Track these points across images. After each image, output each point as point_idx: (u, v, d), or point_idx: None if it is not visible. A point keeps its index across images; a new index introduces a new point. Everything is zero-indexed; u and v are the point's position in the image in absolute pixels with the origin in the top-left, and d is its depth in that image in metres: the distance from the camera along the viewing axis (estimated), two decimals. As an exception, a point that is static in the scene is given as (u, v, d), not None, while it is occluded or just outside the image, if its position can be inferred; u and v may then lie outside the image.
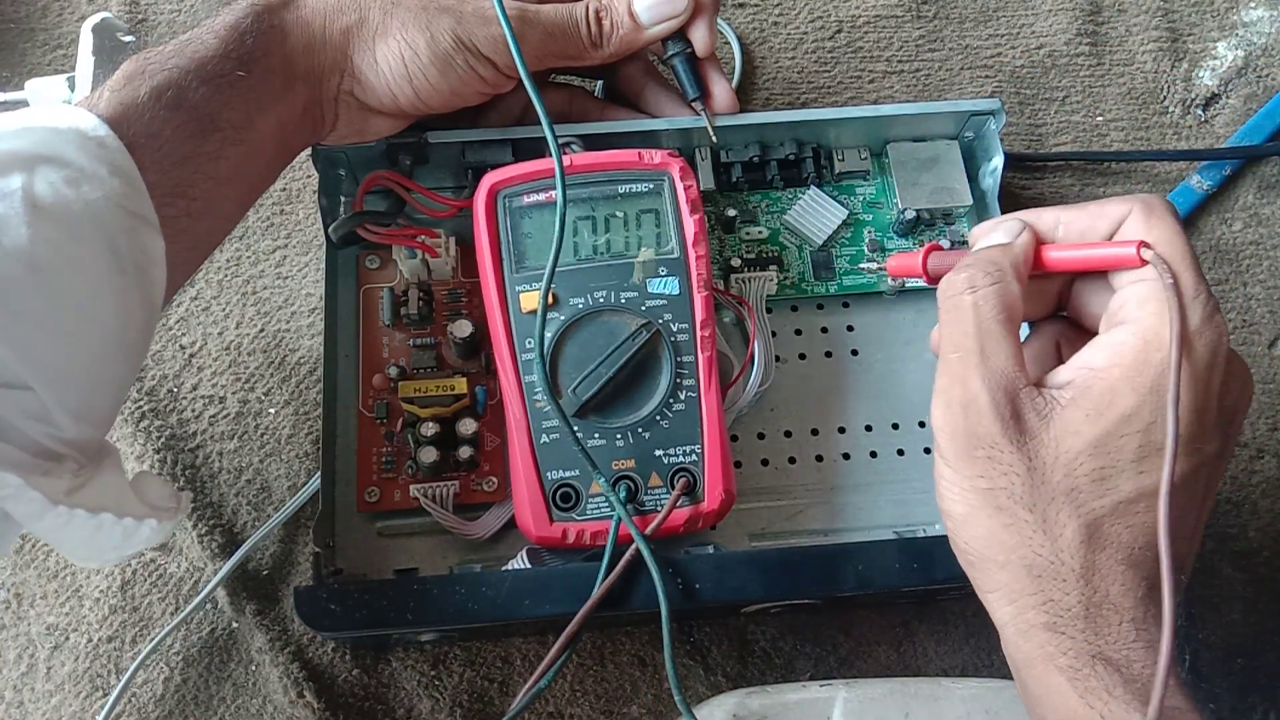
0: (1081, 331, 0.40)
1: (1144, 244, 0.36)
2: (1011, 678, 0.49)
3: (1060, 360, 0.37)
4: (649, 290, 0.48)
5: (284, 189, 0.61)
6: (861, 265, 0.54)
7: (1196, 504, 0.36)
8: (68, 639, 0.51)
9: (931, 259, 0.43)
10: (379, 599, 0.43)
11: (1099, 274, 0.38)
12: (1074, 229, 0.39)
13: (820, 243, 0.55)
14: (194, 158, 0.40)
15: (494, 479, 0.49)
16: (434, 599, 0.44)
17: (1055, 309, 0.41)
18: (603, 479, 0.45)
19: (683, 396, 0.47)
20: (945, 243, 0.54)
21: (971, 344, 0.36)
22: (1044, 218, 0.39)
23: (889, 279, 0.54)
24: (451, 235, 0.52)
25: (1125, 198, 0.38)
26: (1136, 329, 0.35)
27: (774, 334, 0.54)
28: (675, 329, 0.47)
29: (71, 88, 0.60)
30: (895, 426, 0.52)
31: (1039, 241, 0.39)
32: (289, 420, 0.56)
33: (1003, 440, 0.35)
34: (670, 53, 0.52)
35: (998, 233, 0.39)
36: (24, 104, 0.60)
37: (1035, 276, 0.39)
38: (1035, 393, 0.36)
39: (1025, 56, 0.67)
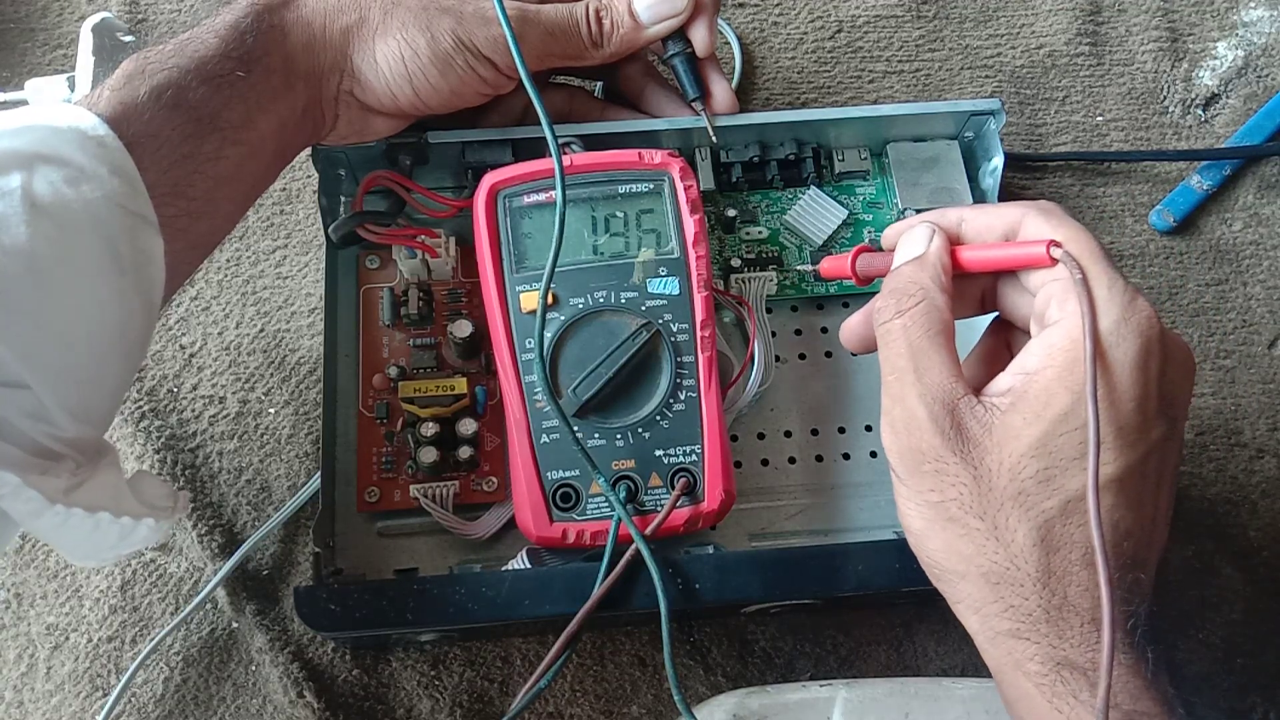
0: (1024, 330, 0.40)
1: (1053, 243, 0.36)
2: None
3: (1011, 358, 0.37)
4: (649, 290, 0.48)
5: (284, 189, 0.61)
6: (798, 267, 0.54)
7: (1152, 492, 0.36)
8: (68, 639, 0.51)
9: (860, 261, 0.44)
10: (379, 599, 0.43)
11: (1013, 275, 0.39)
12: (972, 228, 0.39)
13: (820, 243, 0.55)
14: (193, 157, 0.40)
15: (494, 479, 0.49)
16: (434, 599, 0.44)
17: (982, 307, 0.42)
18: (602, 479, 0.45)
19: (683, 396, 0.47)
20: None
21: (905, 364, 0.37)
22: (948, 216, 0.40)
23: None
24: (451, 235, 0.52)
25: (1019, 203, 0.39)
26: (1063, 327, 0.35)
27: (774, 334, 0.54)
28: (675, 329, 0.47)
29: (71, 88, 0.60)
30: (895, 426, 0.52)
31: (952, 241, 0.39)
32: (289, 420, 0.56)
33: (946, 452, 0.35)
34: (670, 53, 0.52)
35: (911, 243, 0.40)
36: (24, 104, 0.60)
37: (955, 276, 0.39)
38: (975, 402, 0.36)
39: (1025, 56, 0.67)
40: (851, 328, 0.43)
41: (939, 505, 0.36)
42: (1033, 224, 0.38)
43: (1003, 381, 0.36)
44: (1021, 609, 0.34)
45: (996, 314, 0.42)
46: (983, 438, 0.35)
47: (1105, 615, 0.33)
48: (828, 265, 0.47)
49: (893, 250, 0.41)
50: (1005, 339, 0.42)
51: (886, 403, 0.38)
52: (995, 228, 0.39)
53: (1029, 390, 0.35)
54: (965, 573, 0.35)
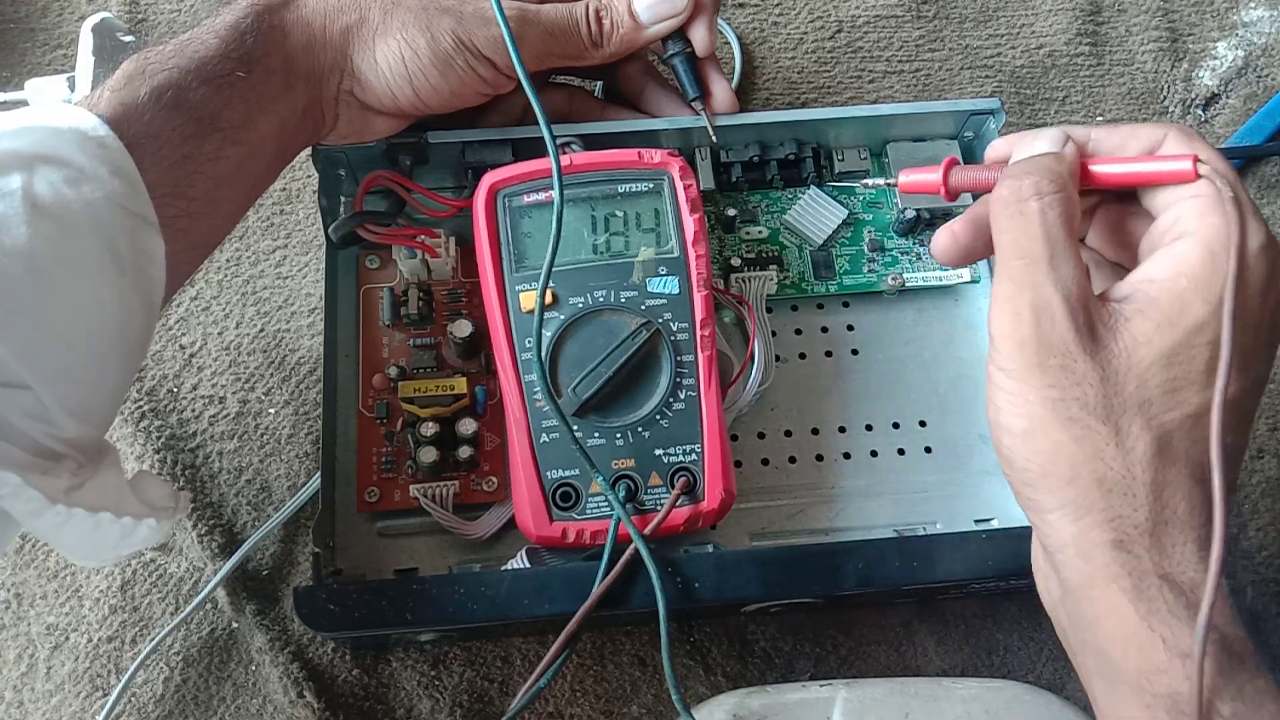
0: (1106, 259, 0.39)
1: (1198, 158, 0.35)
2: (1008, 676, 0.49)
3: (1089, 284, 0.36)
4: (649, 289, 0.48)
5: (284, 189, 0.61)
6: (868, 182, 0.49)
7: (1247, 425, 0.35)
8: (68, 639, 0.51)
9: (954, 173, 0.42)
10: (379, 599, 0.43)
11: (1130, 198, 0.38)
12: (1104, 146, 0.38)
13: (820, 243, 0.55)
14: (194, 158, 0.40)
15: (494, 479, 0.49)
16: (434, 599, 0.44)
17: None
18: (601, 479, 0.45)
19: (683, 396, 0.47)
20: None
21: (1041, 250, 0.35)
22: (1075, 132, 0.39)
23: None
24: (451, 235, 0.52)
25: (1158, 123, 0.37)
26: (1199, 239, 0.34)
27: (774, 334, 0.54)
28: (675, 328, 0.47)
29: (71, 88, 0.60)
30: (896, 426, 0.52)
31: (1081, 157, 0.38)
32: (289, 420, 0.56)
33: (1077, 349, 0.34)
34: (670, 52, 0.52)
35: (1041, 141, 0.38)
36: (24, 104, 0.61)
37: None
38: (1101, 304, 0.35)
39: (1025, 56, 0.67)
40: (954, 233, 0.40)
41: (1058, 403, 0.34)
42: (1175, 141, 0.37)
43: (1123, 288, 0.35)
44: (1129, 520, 0.33)
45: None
46: (1109, 340, 0.34)
47: (1217, 527, 0.32)
48: (908, 178, 0.43)
49: (995, 164, 0.40)
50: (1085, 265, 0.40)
51: (1009, 289, 0.36)
52: (1131, 146, 0.38)
53: (1160, 298, 0.34)
54: (1074, 477, 0.34)
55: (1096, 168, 0.38)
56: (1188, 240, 0.35)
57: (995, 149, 0.41)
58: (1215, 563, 0.32)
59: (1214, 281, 0.34)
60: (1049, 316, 0.34)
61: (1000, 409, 0.36)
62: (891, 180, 0.45)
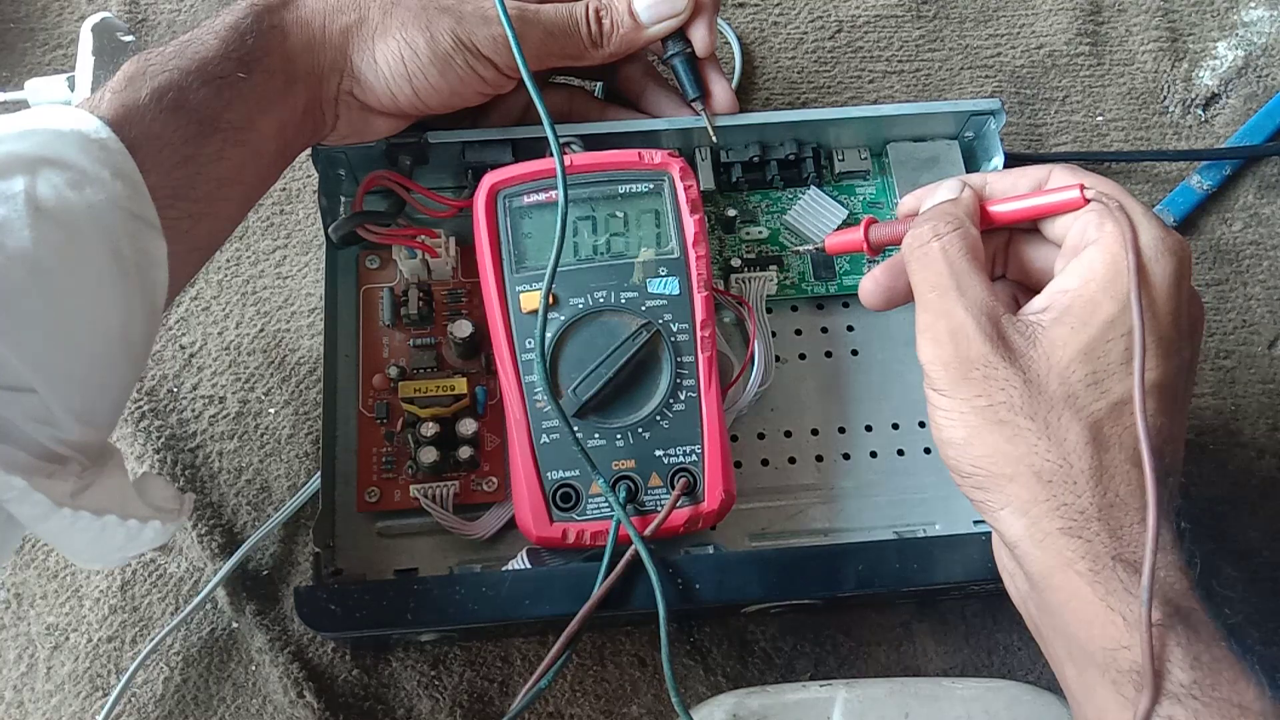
0: (1030, 290, 0.42)
1: (1083, 185, 0.39)
2: (1008, 676, 0.49)
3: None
4: (649, 290, 0.48)
5: (284, 189, 0.61)
6: (796, 248, 0.53)
7: (1180, 408, 0.37)
8: (68, 639, 0.51)
9: (873, 230, 0.45)
10: (379, 599, 0.44)
11: (1035, 233, 0.41)
12: (998, 188, 0.42)
13: (821, 243, 0.55)
14: (195, 159, 0.40)
15: (494, 479, 0.49)
16: (434, 599, 0.44)
17: (993, 272, 0.43)
18: (602, 480, 0.45)
19: (683, 396, 0.47)
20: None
21: (947, 281, 0.38)
22: (972, 179, 0.42)
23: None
24: (451, 235, 0.52)
25: (1042, 165, 0.41)
26: (1101, 246, 0.37)
27: (774, 334, 0.54)
28: (675, 329, 0.47)
29: (71, 88, 0.60)
30: (895, 426, 0.52)
31: (979, 199, 0.42)
32: (289, 420, 0.56)
33: (995, 358, 0.37)
34: (670, 53, 0.52)
35: (941, 191, 0.42)
36: (24, 104, 0.61)
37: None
38: (1015, 319, 0.38)
39: (1025, 56, 0.67)
40: (876, 278, 0.43)
41: (987, 409, 0.36)
42: (1060, 175, 0.40)
43: (1039, 302, 0.38)
44: (1074, 506, 0.35)
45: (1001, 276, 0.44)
46: (1027, 348, 0.37)
47: (1149, 484, 0.34)
48: (834, 240, 0.47)
49: (907, 217, 0.43)
50: (1009, 294, 0.43)
51: (927, 319, 0.39)
52: (1021, 185, 0.41)
53: (1073, 303, 0.37)
54: (1015, 474, 0.36)
55: (995, 208, 0.41)
56: (1091, 249, 0.37)
57: (905, 204, 0.44)
58: (1151, 531, 0.34)
59: (1119, 280, 0.36)
60: (964, 335, 0.37)
61: (940, 426, 0.38)
62: (819, 245, 0.49)
